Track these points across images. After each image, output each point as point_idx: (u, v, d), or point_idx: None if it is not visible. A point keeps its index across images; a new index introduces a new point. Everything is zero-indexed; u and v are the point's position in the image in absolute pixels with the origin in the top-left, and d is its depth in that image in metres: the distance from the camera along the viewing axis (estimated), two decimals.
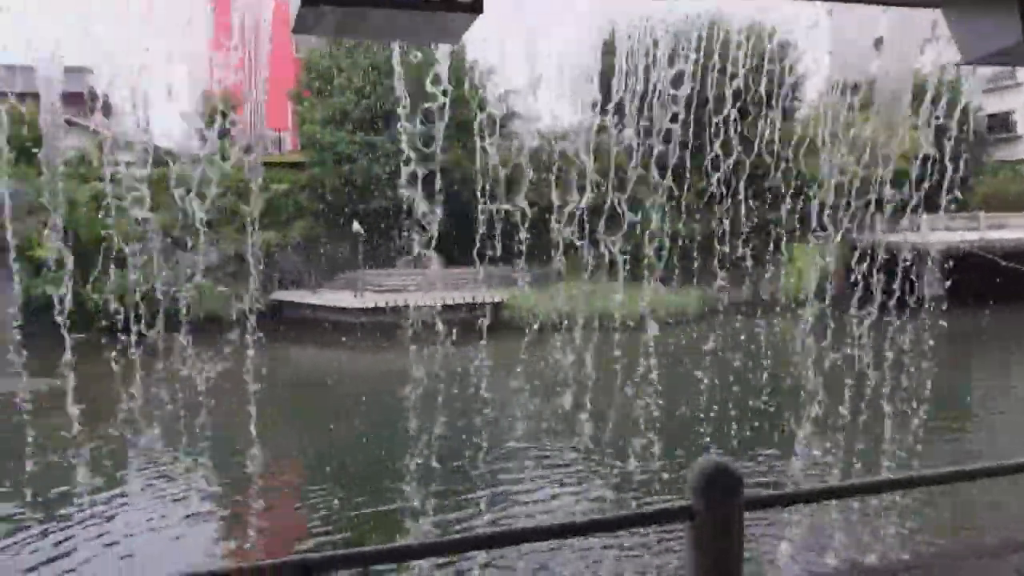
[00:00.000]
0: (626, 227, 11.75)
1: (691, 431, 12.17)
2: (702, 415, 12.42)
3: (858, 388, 9.45)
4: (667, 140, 10.29)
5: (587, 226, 11.73)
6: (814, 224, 9.76)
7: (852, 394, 9.35)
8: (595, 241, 14.02)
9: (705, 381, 13.14)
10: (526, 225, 11.36)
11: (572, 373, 11.97)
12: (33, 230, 26.67)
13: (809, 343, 9.42)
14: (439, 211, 8.90)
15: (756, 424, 12.25)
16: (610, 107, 10.33)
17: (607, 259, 14.11)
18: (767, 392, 12.56)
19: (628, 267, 14.94)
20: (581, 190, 11.38)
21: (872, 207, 9.30)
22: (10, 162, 28.11)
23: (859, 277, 8.98)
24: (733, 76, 10.01)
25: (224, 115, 31.36)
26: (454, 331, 11.69)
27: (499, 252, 13.15)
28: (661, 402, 11.04)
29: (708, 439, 11.81)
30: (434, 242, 8.94)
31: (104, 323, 24.47)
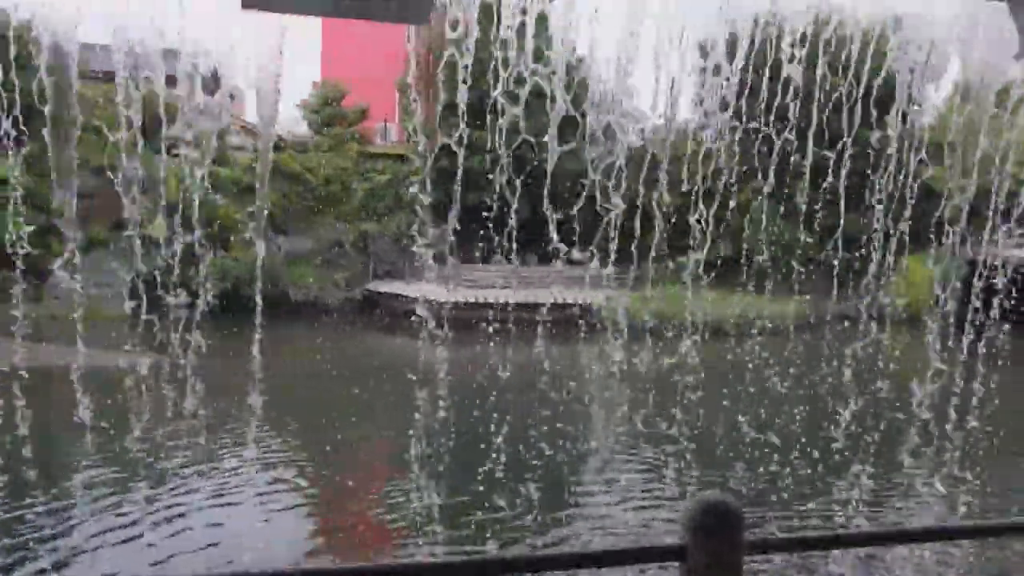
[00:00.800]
0: (727, 232, 11.40)
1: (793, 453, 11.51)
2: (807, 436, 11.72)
3: (981, 416, 8.89)
4: (772, 143, 9.91)
5: (687, 229, 11.43)
6: (933, 235, 9.22)
7: (975, 421, 8.81)
8: (694, 245, 13.65)
9: (813, 394, 12.49)
10: (623, 226, 11.15)
11: (665, 379, 11.70)
12: (146, 210, 27.88)
13: (927, 360, 8.86)
14: (537, 209, 8.79)
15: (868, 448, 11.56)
16: (714, 106, 9.97)
17: (706, 264, 13.78)
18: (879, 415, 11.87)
19: (728, 273, 14.57)
20: (682, 191, 11.09)
21: (995, 219, 8.72)
22: (130, 143, 29.51)
23: (979, 293, 8.43)
24: (846, 73, 9.55)
25: (331, 105, 32.17)
26: (544, 330, 11.60)
27: (596, 252, 12.98)
28: (764, 415, 10.65)
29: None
30: (518, 238, 8.86)
31: (207, 302, 25.32)
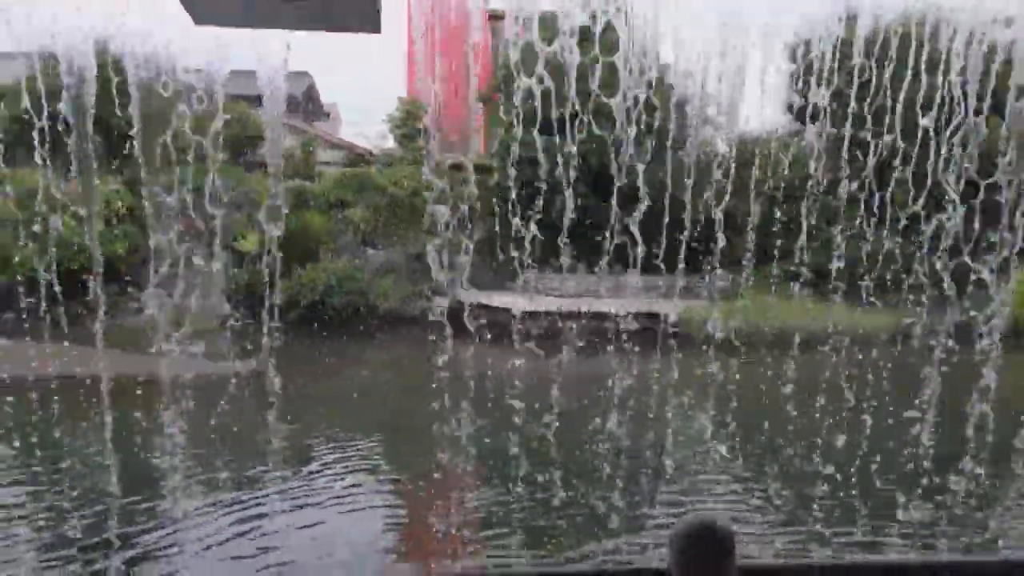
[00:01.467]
0: (818, 241, 11.02)
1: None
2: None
3: None
4: (867, 148, 9.53)
5: (777, 238, 11.13)
6: None
7: None
8: (782, 254, 13.29)
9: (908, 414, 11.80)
10: (710, 235, 10.91)
11: (748, 393, 11.39)
12: (240, 224, 28.80)
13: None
14: (621, 217, 8.68)
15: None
16: (807, 112, 9.69)
17: (794, 273, 13.36)
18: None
19: (817, 283, 14.08)
20: (771, 200, 10.80)
21: None
22: (221, 160, 30.56)
23: None
24: (947, 75, 9.11)
25: (416, 119, 32.68)
26: (625, 341, 11.42)
27: (679, 262, 12.75)
28: (858, 435, 10.17)
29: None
30: (602, 248, 8.74)
31: (296, 313, 26.02)
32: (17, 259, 24.45)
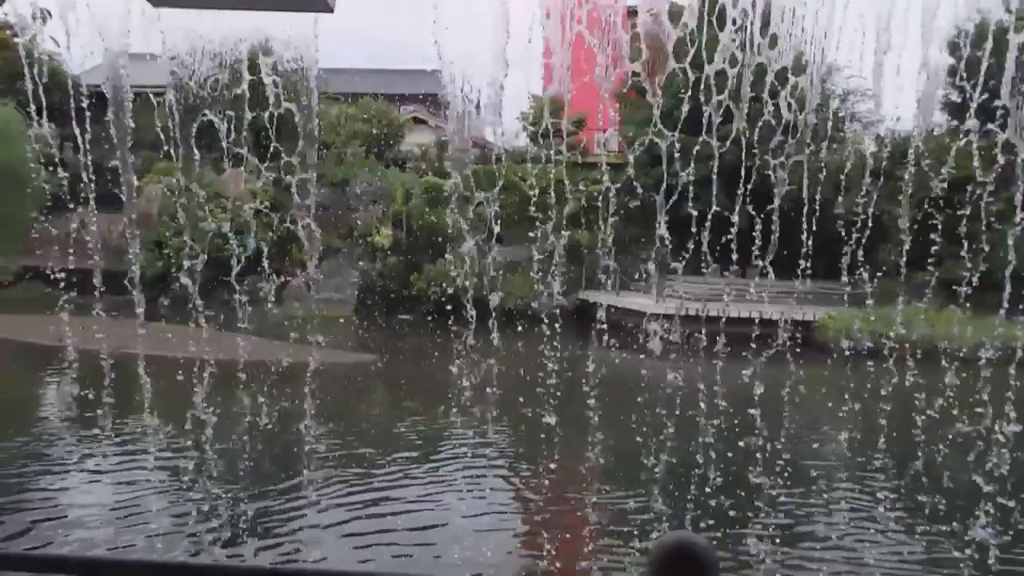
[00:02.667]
0: (977, 247, 10.26)
1: None
2: None
3: None
4: None
5: (928, 242, 10.43)
6: None
7: None
8: (932, 260, 12.43)
9: None
10: (855, 238, 10.34)
11: (886, 407, 10.74)
12: (374, 219, 29.71)
13: None
14: (756, 219, 8.34)
15: None
16: (970, 109, 9.03)
17: (951, 281, 12.48)
18: None
19: (969, 291, 13.12)
20: (921, 201, 10.15)
21: None
22: (360, 157, 31.58)
23: None
24: None
25: (550, 117, 32.72)
26: (755, 347, 10.98)
27: (817, 267, 12.18)
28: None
29: None
30: (734, 250, 8.43)
31: (426, 308, 26.49)
32: (170, 249, 26.07)
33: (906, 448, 10.61)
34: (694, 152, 7.81)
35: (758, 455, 9.23)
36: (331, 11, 1.97)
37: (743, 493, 9.52)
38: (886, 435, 9.83)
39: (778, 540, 8.84)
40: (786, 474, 10.04)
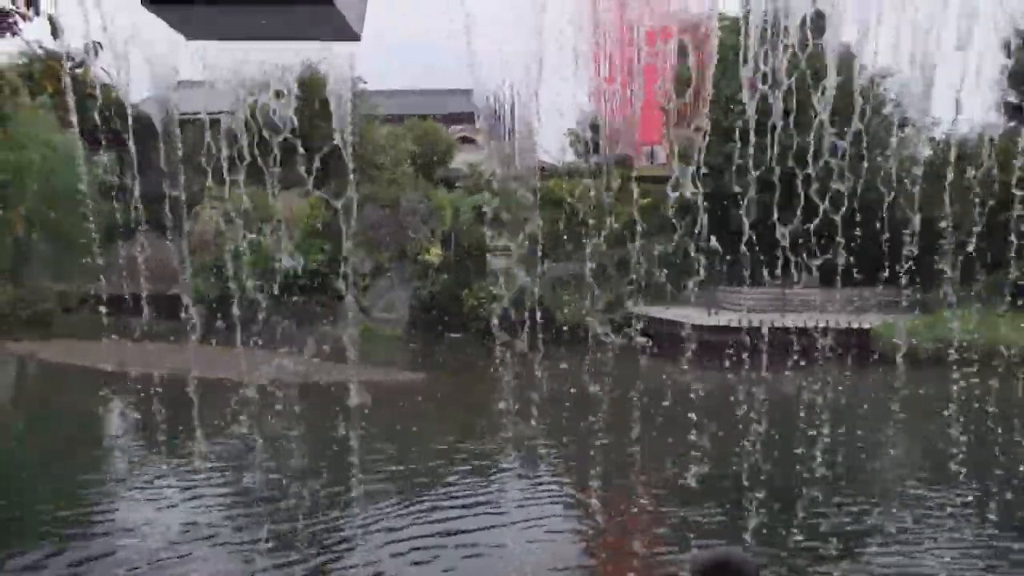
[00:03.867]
0: None
1: None
2: None
3: None
4: None
5: (988, 249, 10.15)
6: None
7: None
8: (993, 266, 12.10)
9: None
10: (910, 244, 10.10)
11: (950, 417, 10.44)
12: (425, 237, 29.96)
13: None
14: (811, 228, 8.19)
15: None
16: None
17: (1006, 287, 12.12)
18: None
19: None
20: (982, 205, 9.85)
21: None
22: (410, 177, 31.90)
23: None
24: None
25: (597, 130, 32.71)
26: (814, 357, 10.80)
27: (876, 274, 11.89)
28: None
29: None
30: (787, 260, 8.27)
31: (476, 325, 26.56)
32: (227, 271, 26.59)
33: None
34: (745, 163, 7.69)
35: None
36: (359, 39, 2.00)
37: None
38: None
39: None
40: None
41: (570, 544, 9.47)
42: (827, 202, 7.09)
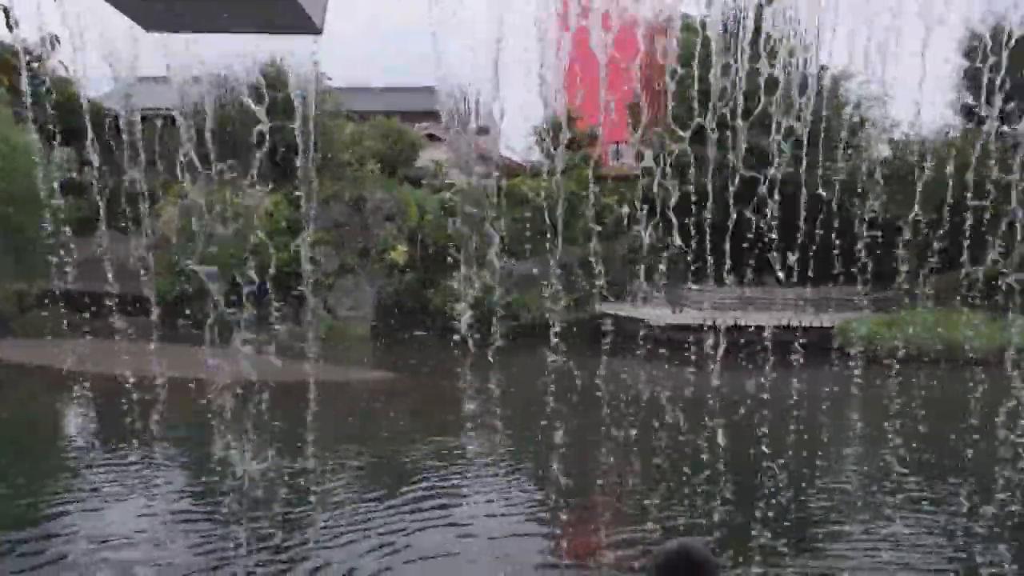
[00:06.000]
0: (992, 250, 10.13)
1: None
2: None
3: None
4: None
5: (943, 246, 10.36)
6: None
7: None
8: (949, 264, 12.35)
9: None
10: (868, 244, 10.28)
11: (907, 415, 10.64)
12: (389, 235, 29.80)
13: None
14: (768, 227, 8.30)
15: None
16: (982, 111, 8.96)
17: (962, 285, 12.37)
18: None
19: (987, 296, 13.03)
20: (939, 205, 10.05)
21: None
22: (375, 174, 31.72)
23: None
24: None
25: (562, 129, 32.80)
26: (775, 355, 10.90)
27: (836, 272, 12.08)
28: None
29: None
30: (750, 259, 8.39)
31: (441, 324, 26.50)
32: (186, 268, 26.22)
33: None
34: (708, 161, 7.78)
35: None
36: (320, 33, 2.01)
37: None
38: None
39: None
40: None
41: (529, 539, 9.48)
42: (779, 202, 7.19)
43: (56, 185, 18.24)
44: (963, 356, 11.08)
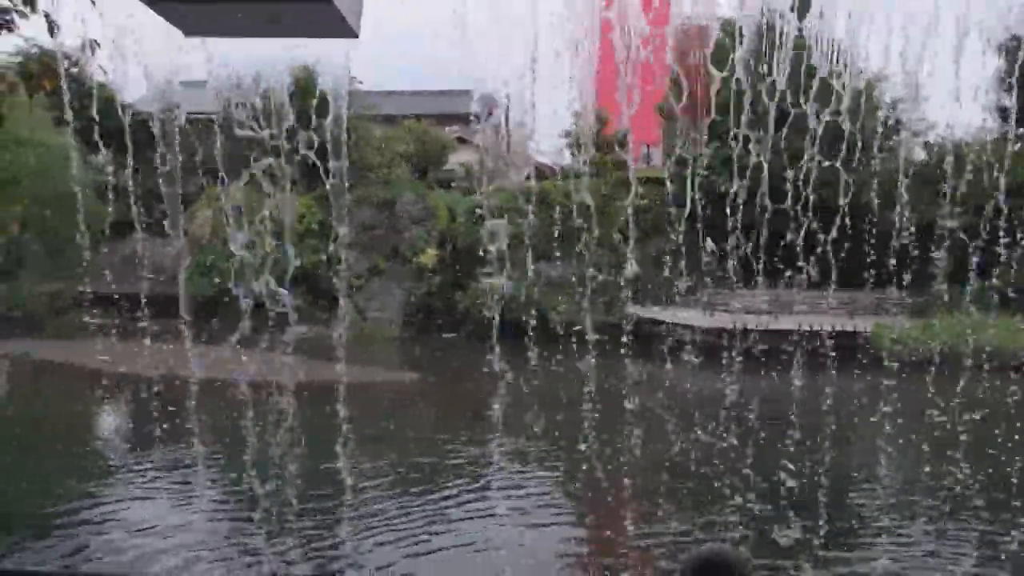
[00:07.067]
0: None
1: None
2: None
3: None
4: None
5: (980, 252, 10.19)
6: None
7: None
8: (984, 269, 12.14)
9: None
10: (905, 248, 10.13)
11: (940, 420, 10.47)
12: (419, 238, 29.90)
13: None
14: (806, 230, 8.22)
15: None
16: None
17: (998, 290, 12.13)
18: None
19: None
20: (978, 210, 9.90)
21: None
22: (405, 177, 31.85)
23: None
24: None
25: (592, 133, 32.71)
26: (806, 359, 10.81)
27: (870, 276, 11.92)
28: None
29: None
30: (784, 262, 8.30)
31: (469, 327, 26.53)
32: (221, 271, 26.52)
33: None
34: (743, 164, 7.72)
35: None
36: (356, 36, 2.02)
37: None
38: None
39: None
40: None
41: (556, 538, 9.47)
42: (816, 207, 7.12)
43: (94, 187, 18.56)
44: (1006, 361, 10.87)
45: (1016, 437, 9.81)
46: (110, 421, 15.76)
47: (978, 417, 10.44)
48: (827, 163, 7.26)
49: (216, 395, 13.01)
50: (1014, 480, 9.26)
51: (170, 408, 10.36)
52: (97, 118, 5.12)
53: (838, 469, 9.35)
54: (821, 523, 8.34)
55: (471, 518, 9.88)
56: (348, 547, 8.84)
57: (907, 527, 9.41)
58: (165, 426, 11.40)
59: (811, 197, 7.52)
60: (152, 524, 9.31)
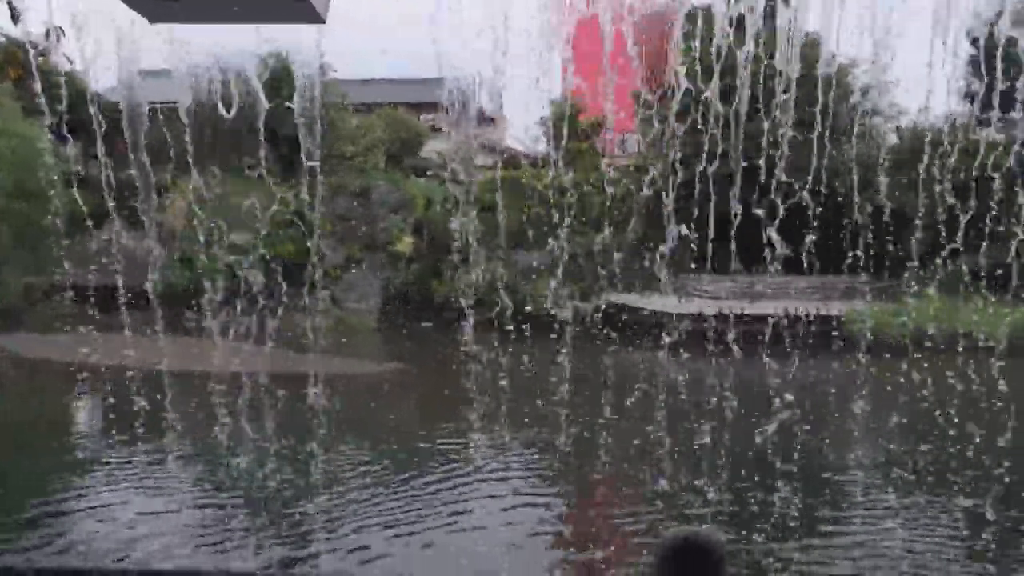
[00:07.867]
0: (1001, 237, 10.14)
1: None
2: None
3: None
4: None
5: (951, 236, 10.33)
6: None
7: None
8: (956, 252, 12.27)
9: None
10: (876, 231, 10.25)
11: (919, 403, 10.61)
12: (395, 227, 29.80)
13: None
14: (773, 216, 8.28)
15: None
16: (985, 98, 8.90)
17: (974, 272, 12.32)
18: None
19: (994, 284, 13.01)
20: (945, 194, 10.02)
21: None
22: (380, 166, 31.70)
23: None
24: None
25: (568, 120, 32.69)
26: (792, 343, 10.93)
27: (841, 262, 12.05)
28: None
29: None
30: (755, 247, 8.38)
31: (449, 315, 26.52)
32: (201, 263, 26.25)
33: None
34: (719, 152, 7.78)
35: None
36: (323, 22, 2.01)
37: None
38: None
39: None
40: None
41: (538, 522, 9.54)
42: (785, 191, 7.18)
43: (64, 178, 18.30)
44: (972, 343, 11.02)
45: (972, 414, 9.94)
46: (70, 415, 15.67)
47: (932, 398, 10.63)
48: (799, 147, 7.33)
49: (187, 388, 12.94)
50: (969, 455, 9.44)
51: (137, 402, 10.29)
52: (66, 108, 5.07)
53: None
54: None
55: (447, 503, 9.95)
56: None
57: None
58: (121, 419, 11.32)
59: (783, 182, 7.59)
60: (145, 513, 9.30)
